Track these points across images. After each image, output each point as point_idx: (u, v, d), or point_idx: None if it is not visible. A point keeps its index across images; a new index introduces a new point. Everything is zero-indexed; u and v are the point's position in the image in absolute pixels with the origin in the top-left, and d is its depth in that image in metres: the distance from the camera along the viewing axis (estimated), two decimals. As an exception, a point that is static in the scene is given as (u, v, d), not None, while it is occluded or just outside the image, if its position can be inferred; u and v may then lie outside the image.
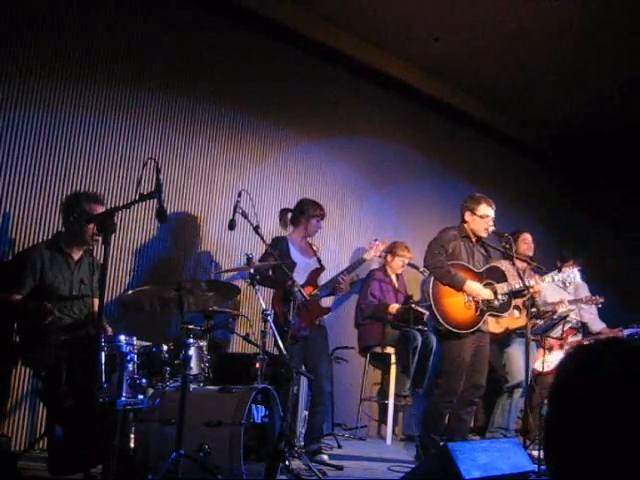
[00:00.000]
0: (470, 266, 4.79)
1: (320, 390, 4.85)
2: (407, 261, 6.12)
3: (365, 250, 5.79)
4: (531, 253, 5.75)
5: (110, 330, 4.00)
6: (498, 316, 4.85)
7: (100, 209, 3.97)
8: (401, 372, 5.95)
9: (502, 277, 4.82)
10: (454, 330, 4.64)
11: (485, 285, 4.76)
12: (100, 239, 3.88)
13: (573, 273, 5.02)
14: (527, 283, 4.71)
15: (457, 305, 4.68)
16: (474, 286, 4.69)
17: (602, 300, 5.65)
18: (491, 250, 5.05)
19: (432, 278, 4.70)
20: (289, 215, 5.18)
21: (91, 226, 3.90)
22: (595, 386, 1.06)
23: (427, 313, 5.66)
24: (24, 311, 3.86)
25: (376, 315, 6.00)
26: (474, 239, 4.88)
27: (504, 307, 4.78)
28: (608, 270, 7.97)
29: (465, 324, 4.68)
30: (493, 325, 5.27)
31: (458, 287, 4.67)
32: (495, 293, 4.73)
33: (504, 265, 5.25)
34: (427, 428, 4.81)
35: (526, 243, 5.76)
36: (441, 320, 4.62)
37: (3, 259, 4.37)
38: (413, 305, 5.76)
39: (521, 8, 5.79)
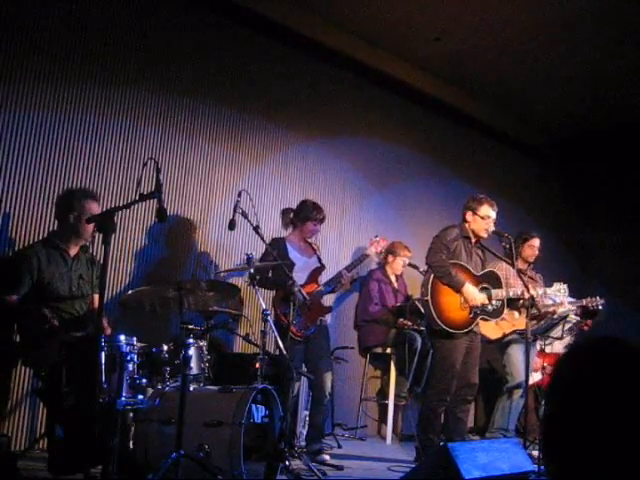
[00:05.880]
0: (470, 267, 4.83)
1: (321, 390, 4.85)
2: (408, 261, 6.12)
3: (366, 248, 5.78)
4: (532, 259, 5.73)
5: (109, 331, 4.00)
6: (488, 320, 4.90)
7: (94, 205, 4.02)
8: (399, 374, 5.96)
9: (498, 282, 4.88)
10: (448, 329, 4.66)
11: (481, 289, 4.80)
12: (99, 237, 3.91)
13: (563, 288, 5.11)
14: (530, 289, 4.75)
15: (453, 305, 4.72)
16: (471, 290, 4.72)
17: (602, 301, 5.66)
18: (487, 253, 5.09)
19: (431, 275, 4.72)
20: (290, 215, 5.17)
21: (92, 225, 3.92)
22: (592, 385, 1.06)
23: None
24: (24, 314, 3.86)
25: (385, 321, 6.00)
26: (473, 240, 4.91)
27: (496, 312, 4.85)
28: (609, 271, 7.98)
29: (459, 324, 4.72)
30: (493, 328, 5.29)
31: (456, 288, 4.71)
32: (489, 298, 4.78)
33: (503, 267, 5.27)
34: (424, 428, 4.82)
35: (531, 249, 5.71)
36: (436, 318, 4.65)
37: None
38: (415, 301, 5.77)
39: (522, 8, 5.78)
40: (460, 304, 4.73)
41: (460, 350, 4.74)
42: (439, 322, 4.65)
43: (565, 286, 5.17)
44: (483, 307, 4.75)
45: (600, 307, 5.64)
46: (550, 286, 5.23)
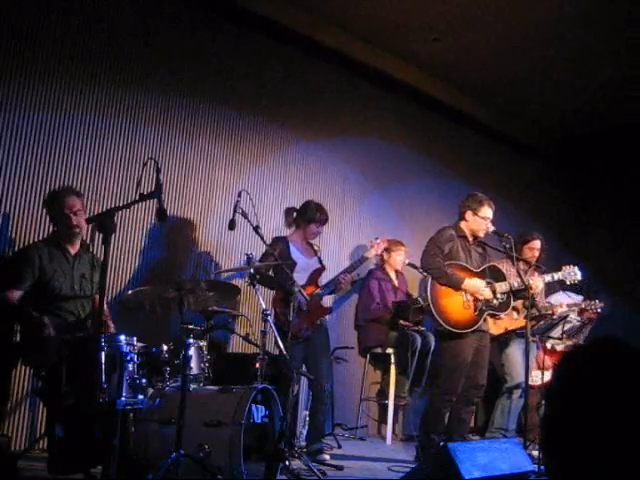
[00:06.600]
0: (468, 265, 4.81)
1: (320, 390, 4.85)
2: (404, 254, 6.10)
3: (366, 249, 5.80)
4: (533, 261, 5.67)
5: (112, 327, 4.01)
6: (497, 315, 4.87)
7: (71, 198, 4.02)
8: (399, 374, 5.95)
9: (501, 276, 4.84)
10: (453, 330, 4.64)
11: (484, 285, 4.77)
12: (83, 225, 3.98)
13: (574, 271, 5.05)
14: (527, 282, 4.71)
15: (456, 305, 4.69)
16: (474, 283, 4.68)
17: (602, 305, 5.64)
18: (488, 249, 5.07)
19: (430, 279, 4.71)
20: (294, 214, 5.17)
21: (64, 213, 3.96)
22: (592, 385, 1.06)
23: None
24: (23, 319, 3.87)
25: (386, 319, 6.00)
26: (471, 238, 4.90)
27: (503, 306, 4.80)
28: (609, 271, 7.98)
29: (464, 324, 4.69)
30: (491, 326, 5.28)
31: (456, 287, 4.68)
32: (494, 292, 4.75)
33: (504, 265, 5.26)
34: (426, 428, 4.82)
35: (531, 251, 5.66)
36: (440, 321, 4.63)
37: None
38: (420, 302, 5.76)
39: (521, 7, 5.78)
40: (463, 303, 4.70)
41: (469, 350, 4.72)
42: (443, 324, 4.63)
43: (576, 268, 5.07)
44: (488, 302, 4.72)
45: (599, 311, 5.63)
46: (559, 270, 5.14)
